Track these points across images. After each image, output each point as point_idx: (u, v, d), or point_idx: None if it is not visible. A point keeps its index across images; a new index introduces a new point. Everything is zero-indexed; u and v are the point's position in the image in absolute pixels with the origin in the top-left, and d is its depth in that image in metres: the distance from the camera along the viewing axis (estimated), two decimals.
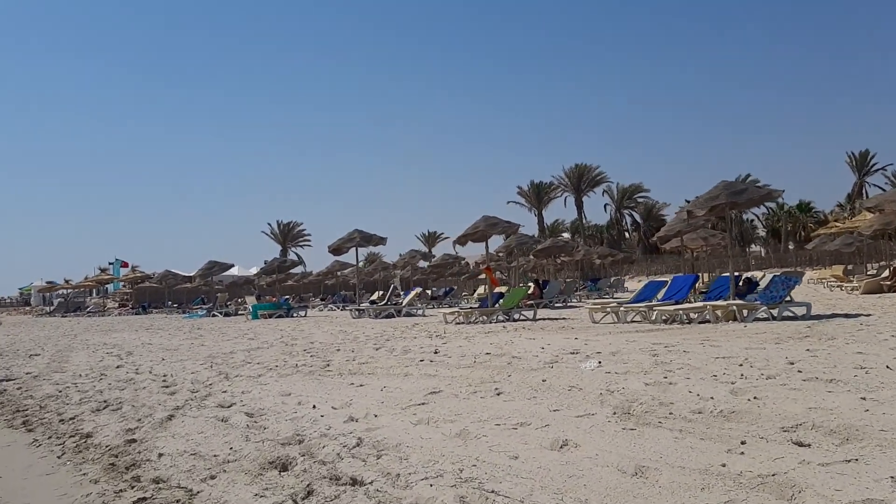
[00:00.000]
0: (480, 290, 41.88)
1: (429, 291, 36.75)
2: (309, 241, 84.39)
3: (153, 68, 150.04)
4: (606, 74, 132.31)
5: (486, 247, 20.85)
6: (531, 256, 35.09)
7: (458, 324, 18.96)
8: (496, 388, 7.24)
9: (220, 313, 33.13)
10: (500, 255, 35.15)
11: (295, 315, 29.16)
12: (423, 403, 6.83)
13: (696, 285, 18.03)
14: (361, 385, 8.38)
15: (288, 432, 6.20)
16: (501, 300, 19.75)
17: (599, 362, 8.43)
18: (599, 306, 16.58)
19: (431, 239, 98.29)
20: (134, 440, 6.66)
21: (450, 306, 33.05)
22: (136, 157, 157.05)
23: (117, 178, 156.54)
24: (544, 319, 18.70)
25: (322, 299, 42.93)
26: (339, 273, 41.26)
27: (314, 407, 7.24)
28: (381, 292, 42.18)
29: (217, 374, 10.73)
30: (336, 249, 25.13)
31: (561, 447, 4.94)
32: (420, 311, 24.95)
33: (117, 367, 13.11)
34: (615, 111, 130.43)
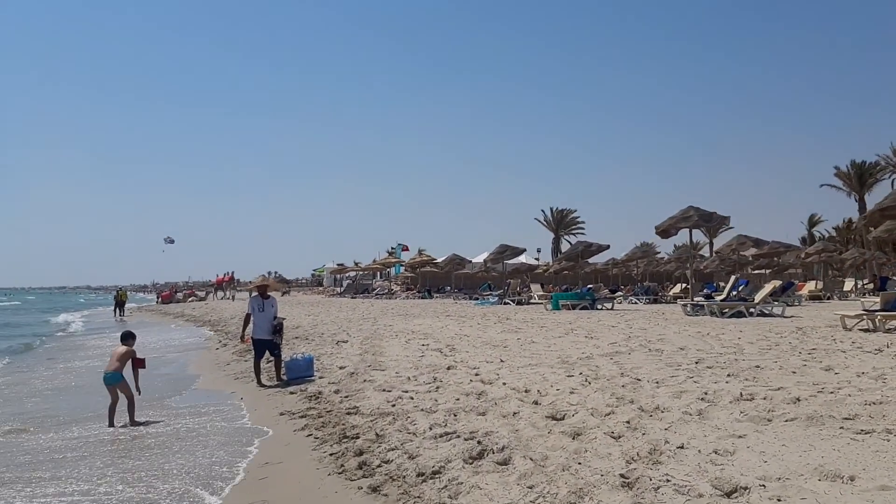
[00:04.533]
0: (811, 285, 34.67)
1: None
2: (583, 228, 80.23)
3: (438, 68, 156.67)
4: None
5: None
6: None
7: (865, 330, 13.63)
8: None
9: (512, 301, 30.33)
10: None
11: (601, 307, 25.25)
12: None
13: None
14: None
15: None
16: None
17: None
18: None
19: (712, 231, 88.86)
20: None
21: (788, 304, 26.88)
22: (417, 149, 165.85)
23: (403, 168, 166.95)
24: None
25: (612, 290, 38.48)
26: (636, 261, 36.60)
27: None
28: (683, 285, 36.90)
29: (613, 398, 6.96)
30: (664, 231, 20.63)
31: None
32: (779, 311, 19.61)
33: (448, 368, 10.05)
34: None
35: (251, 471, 6.02)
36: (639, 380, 8.09)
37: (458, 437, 5.85)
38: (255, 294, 11.16)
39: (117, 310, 40.15)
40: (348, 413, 7.57)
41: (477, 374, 9.22)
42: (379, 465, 5.43)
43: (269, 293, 11.22)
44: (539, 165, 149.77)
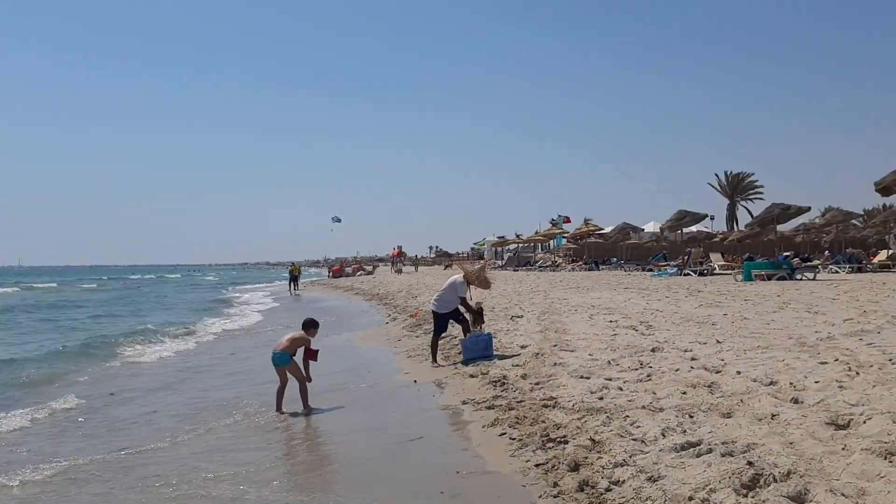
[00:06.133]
0: None
1: None
2: (760, 193, 73.51)
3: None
4: None
5: None
6: None
7: None
8: None
9: (693, 272, 27.74)
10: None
11: (800, 277, 22.30)
12: None
13: None
14: None
15: None
16: None
17: None
18: None
19: None
20: None
21: None
22: (578, 116, 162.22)
23: (563, 140, 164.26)
24: None
25: (803, 259, 34.47)
26: (835, 225, 32.33)
27: None
28: (890, 251, 32.26)
29: None
30: (885, 188, 17.56)
31: None
32: None
33: (653, 350, 8.46)
34: None
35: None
36: None
37: (710, 450, 4.32)
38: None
39: (292, 284, 41.47)
40: (545, 405, 6.25)
41: (694, 359, 7.58)
42: (608, 489, 4.05)
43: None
44: (711, 127, 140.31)
